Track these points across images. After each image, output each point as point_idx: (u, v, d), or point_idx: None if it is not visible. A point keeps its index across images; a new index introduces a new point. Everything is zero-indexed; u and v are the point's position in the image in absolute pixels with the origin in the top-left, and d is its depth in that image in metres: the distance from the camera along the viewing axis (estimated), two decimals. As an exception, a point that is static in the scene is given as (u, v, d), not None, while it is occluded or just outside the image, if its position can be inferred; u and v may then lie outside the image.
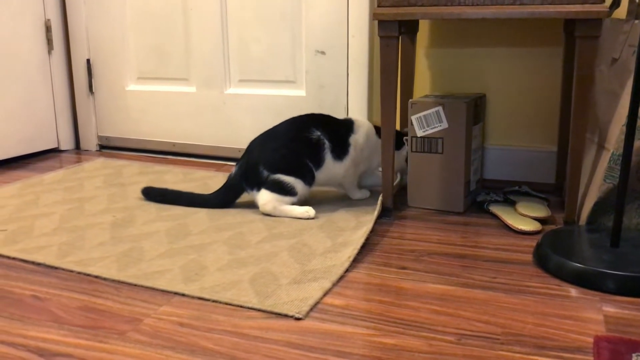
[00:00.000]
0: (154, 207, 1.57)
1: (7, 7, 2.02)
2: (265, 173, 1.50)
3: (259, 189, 1.52)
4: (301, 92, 1.96)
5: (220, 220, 1.47)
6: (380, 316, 1.00)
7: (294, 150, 1.52)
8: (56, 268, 1.21)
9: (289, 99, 1.98)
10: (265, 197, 1.51)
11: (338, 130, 1.58)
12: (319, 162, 1.54)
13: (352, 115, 1.86)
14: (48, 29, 2.18)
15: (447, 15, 1.34)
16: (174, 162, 2.08)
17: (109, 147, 2.30)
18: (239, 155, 2.06)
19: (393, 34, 1.39)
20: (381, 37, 1.40)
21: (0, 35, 2.00)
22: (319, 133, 1.54)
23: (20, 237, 1.37)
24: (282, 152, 1.52)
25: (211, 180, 1.83)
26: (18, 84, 2.09)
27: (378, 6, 1.38)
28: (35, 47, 2.14)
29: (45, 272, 1.19)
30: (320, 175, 1.55)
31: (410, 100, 1.55)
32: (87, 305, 1.05)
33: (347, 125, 1.60)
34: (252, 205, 1.55)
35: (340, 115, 1.90)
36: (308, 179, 1.52)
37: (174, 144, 2.17)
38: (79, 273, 1.18)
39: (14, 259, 1.25)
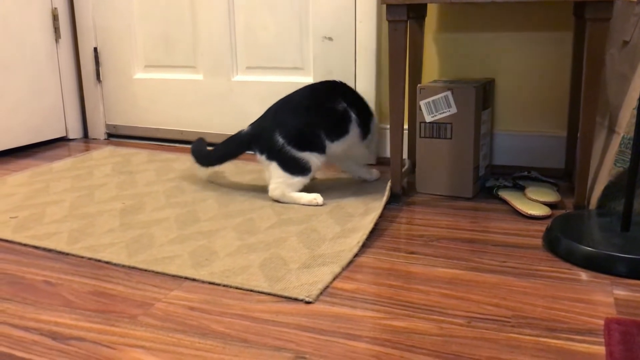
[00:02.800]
0: (163, 195, 1.58)
1: (14, -4, 2.02)
2: (281, 141, 1.48)
3: (269, 157, 1.50)
4: (309, 79, 1.95)
5: (230, 206, 1.48)
6: (390, 300, 1.00)
7: (315, 121, 1.50)
8: (67, 254, 1.21)
9: (296, 86, 1.95)
10: (275, 180, 1.50)
11: (362, 102, 1.59)
12: (340, 134, 1.53)
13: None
14: (55, 18, 2.18)
15: (456, -2, 1.33)
16: (181, 150, 2.08)
17: (116, 136, 2.30)
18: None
19: (401, 18, 1.38)
20: (389, 22, 1.40)
21: (7, 24, 2.01)
22: (345, 104, 1.53)
23: (31, 224, 1.37)
24: (302, 122, 1.49)
25: (219, 168, 1.83)
26: (26, 74, 2.09)
27: (386, -10, 1.37)
28: (42, 36, 2.14)
29: (56, 258, 1.20)
30: (337, 147, 1.53)
31: (418, 85, 1.55)
32: (98, 290, 1.06)
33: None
34: (261, 191, 1.55)
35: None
36: (323, 150, 1.51)
37: (181, 132, 2.17)
38: (90, 259, 1.19)
39: (25, 245, 1.26)
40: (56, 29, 2.19)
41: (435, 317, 0.94)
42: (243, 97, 2.05)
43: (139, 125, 2.24)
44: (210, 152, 1.63)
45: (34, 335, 0.91)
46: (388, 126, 1.86)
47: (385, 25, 1.82)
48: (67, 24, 2.23)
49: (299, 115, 1.51)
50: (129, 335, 0.90)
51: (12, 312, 0.98)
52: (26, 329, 0.93)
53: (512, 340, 0.87)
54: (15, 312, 0.98)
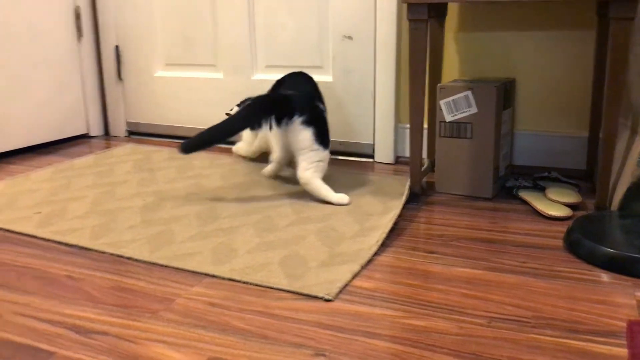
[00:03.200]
0: (183, 192, 1.59)
1: (39, -5, 2.05)
2: (322, 108, 1.54)
3: (305, 123, 1.45)
4: (328, 78, 1.96)
5: (249, 204, 1.49)
6: (410, 299, 1.00)
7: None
8: (89, 249, 1.23)
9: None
10: (308, 159, 1.46)
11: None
12: None
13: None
14: (77, 17, 2.21)
15: (478, -3, 1.32)
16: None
17: (137, 133, 2.33)
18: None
19: (422, 17, 1.38)
20: (410, 21, 1.39)
21: (31, 23, 2.03)
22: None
23: (54, 219, 1.39)
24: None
25: (239, 165, 1.84)
26: (49, 71, 2.12)
27: (407, -11, 1.37)
28: (65, 34, 2.17)
29: (78, 254, 1.21)
30: None
31: (439, 84, 1.54)
32: (119, 285, 1.07)
33: None
34: (280, 188, 1.56)
35: (367, 100, 1.90)
36: None
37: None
38: (112, 254, 1.20)
39: (48, 240, 1.28)
40: (78, 28, 2.22)
41: (455, 316, 0.94)
42: (262, 96, 2.06)
43: (159, 123, 2.26)
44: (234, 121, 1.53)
45: (58, 329, 0.92)
46: (407, 125, 1.87)
47: (405, 24, 1.82)
48: (89, 22, 2.26)
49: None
50: (151, 330, 0.92)
51: (36, 305, 1.00)
52: (51, 322, 0.94)
53: (532, 341, 0.87)
54: (39, 305, 1.00)
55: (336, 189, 1.52)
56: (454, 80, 1.62)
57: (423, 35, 1.40)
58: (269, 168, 1.69)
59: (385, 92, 1.86)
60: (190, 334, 0.90)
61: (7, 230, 1.34)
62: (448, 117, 1.54)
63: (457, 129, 1.53)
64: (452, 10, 1.77)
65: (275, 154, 1.62)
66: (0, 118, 1.95)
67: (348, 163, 1.90)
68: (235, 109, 1.93)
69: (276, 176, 1.70)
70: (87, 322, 0.94)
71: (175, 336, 0.90)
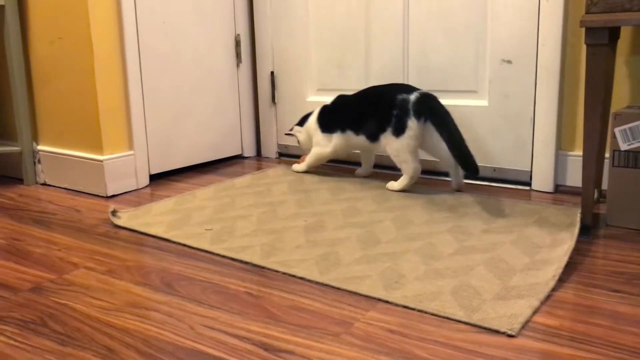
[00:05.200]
0: (340, 214, 1.62)
1: (205, 25, 2.20)
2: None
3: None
4: (483, 102, 1.92)
5: (407, 229, 1.48)
6: (601, 340, 0.94)
7: None
8: (262, 267, 1.29)
9: (469, 109, 1.95)
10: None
11: None
12: None
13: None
14: (237, 44, 2.35)
15: (668, 20, 1.24)
16: (350, 171, 2.13)
17: (286, 155, 2.41)
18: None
19: (602, 42, 1.32)
20: (588, 45, 1.33)
21: (198, 50, 2.19)
22: None
23: (225, 236, 1.47)
24: None
25: (389, 190, 1.85)
26: (211, 95, 2.27)
27: (587, 12, 1.31)
28: (226, 60, 2.32)
29: (252, 271, 1.27)
30: None
31: (614, 111, 1.46)
32: (296, 304, 1.10)
33: None
34: (436, 214, 1.54)
35: (525, 126, 1.83)
36: None
37: (347, 154, 2.22)
38: (284, 273, 1.25)
39: (223, 256, 1.36)
40: (238, 54, 2.36)
41: (657, 364, 0.87)
42: (413, 120, 2.05)
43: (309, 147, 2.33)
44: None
45: (247, 345, 0.97)
46: (569, 152, 1.78)
47: (570, 48, 1.75)
48: (248, 49, 2.39)
49: None
50: (335, 352, 0.93)
51: (223, 320, 1.06)
52: (238, 337, 0.99)
53: None
54: (225, 320, 1.05)
55: (494, 217, 1.48)
56: (629, 107, 1.53)
57: (602, 60, 1.33)
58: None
59: (546, 118, 1.79)
60: (375, 359, 0.91)
61: (185, 245, 1.43)
62: (623, 146, 1.45)
63: (634, 158, 1.44)
64: (625, 32, 1.67)
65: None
66: (168, 139, 2.11)
67: (502, 190, 1.84)
68: (296, 127, 2.11)
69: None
70: (273, 340, 0.98)
71: (359, 361, 0.91)
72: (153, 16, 2.00)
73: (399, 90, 1.80)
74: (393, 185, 1.85)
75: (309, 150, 2.09)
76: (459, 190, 1.84)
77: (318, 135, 2.01)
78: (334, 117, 1.98)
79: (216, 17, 2.24)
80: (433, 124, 1.75)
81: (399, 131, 1.78)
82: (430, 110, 1.75)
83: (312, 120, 2.04)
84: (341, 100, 1.99)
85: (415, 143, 1.78)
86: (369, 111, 1.86)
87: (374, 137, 1.86)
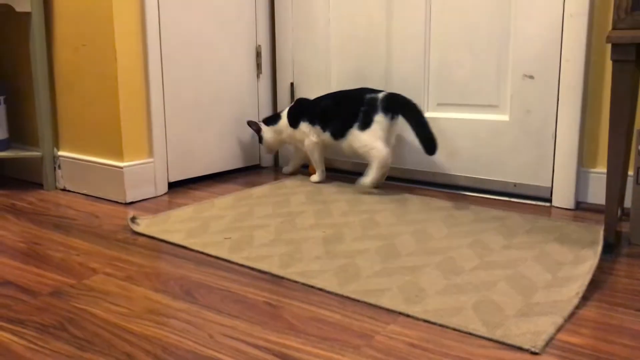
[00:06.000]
0: (359, 226, 1.61)
1: (227, 35, 2.22)
2: None
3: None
4: (504, 117, 1.91)
5: (427, 243, 1.47)
6: (627, 361, 0.92)
7: None
8: (281, 277, 1.28)
9: (489, 124, 1.94)
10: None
11: None
12: None
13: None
14: (258, 54, 2.36)
15: (697, 37, 1.22)
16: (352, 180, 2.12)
17: (304, 166, 2.41)
18: (433, 178, 2.07)
19: (629, 58, 1.30)
20: (614, 62, 1.32)
21: (219, 60, 2.20)
22: None
23: (243, 245, 1.47)
24: None
25: (408, 203, 1.84)
26: (232, 105, 2.28)
27: (613, 28, 1.30)
28: (247, 71, 2.33)
29: (271, 281, 1.27)
30: None
31: (638, 128, 1.44)
32: (316, 316, 1.10)
33: None
34: (454, 228, 1.53)
35: (546, 141, 1.82)
36: None
37: (359, 164, 2.21)
38: (303, 284, 1.24)
39: (242, 265, 1.35)
40: (258, 65, 2.37)
41: (686, 387, 0.85)
42: (432, 134, 2.04)
43: (327, 157, 2.33)
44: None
45: (267, 355, 0.96)
46: (591, 169, 1.77)
47: (593, 65, 1.74)
48: (268, 60, 2.40)
49: None
50: (356, 365, 0.92)
51: (242, 329, 1.05)
52: (258, 347, 0.99)
53: None
54: (245, 329, 1.05)
55: (515, 233, 1.47)
56: (654, 124, 1.51)
57: (628, 77, 1.32)
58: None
59: (568, 134, 1.78)
60: (395, 373, 0.90)
61: (203, 253, 1.43)
62: (648, 164, 1.43)
63: (659, 176, 1.42)
64: (650, 49, 1.65)
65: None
66: (188, 147, 2.12)
67: (522, 206, 1.83)
68: (263, 126, 2.24)
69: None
70: (293, 351, 0.97)
71: (380, 374, 0.89)
72: (176, 26, 2.02)
73: (367, 91, 1.97)
74: (365, 181, 1.93)
75: (270, 149, 2.27)
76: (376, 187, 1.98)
77: (302, 129, 2.11)
78: (306, 113, 2.11)
79: (238, 28, 2.26)
80: (404, 115, 1.89)
81: (366, 125, 1.90)
82: (401, 104, 1.90)
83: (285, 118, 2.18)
84: (308, 101, 2.15)
85: (382, 133, 1.90)
86: (337, 110, 2.01)
87: (340, 133, 1.98)
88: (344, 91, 2.07)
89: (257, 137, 2.30)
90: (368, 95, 1.94)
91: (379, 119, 1.89)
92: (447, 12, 1.97)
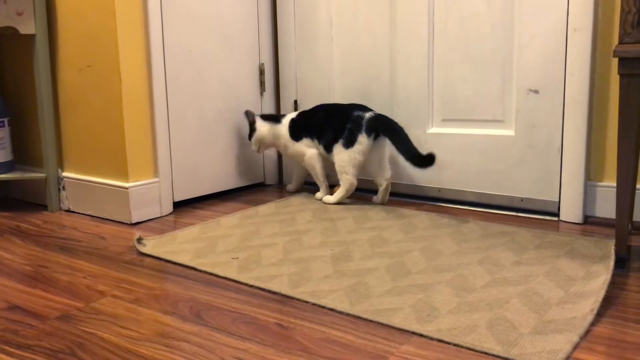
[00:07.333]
0: (367, 243, 1.60)
1: (230, 54, 2.23)
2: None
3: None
4: (509, 132, 1.90)
5: (437, 260, 1.46)
6: (647, 379, 0.91)
7: None
8: (291, 298, 1.27)
9: (494, 139, 1.93)
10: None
11: None
12: None
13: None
14: (261, 72, 2.37)
15: None
16: (370, 199, 2.11)
17: (308, 183, 2.40)
18: (439, 194, 2.06)
19: (636, 72, 1.30)
20: (621, 76, 1.32)
21: (223, 79, 2.21)
22: None
23: (252, 265, 1.46)
24: None
25: (415, 219, 1.83)
26: (234, 123, 2.27)
27: (620, 42, 1.30)
28: (250, 89, 2.33)
29: (281, 301, 1.25)
30: None
31: (646, 142, 1.44)
32: (328, 337, 1.08)
33: None
34: (462, 244, 1.52)
35: (553, 156, 1.81)
36: None
37: (365, 180, 2.21)
38: (313, 304, 1.23)
39: (251, 286, 1.34)
40: (262, 83, 2.37)
41: None
42: (437, 149, 2.02)
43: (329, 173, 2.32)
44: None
45: (280, 377, 0.95)
46: (599, 183, 1.76)
47: (598, 78, 1.74)
48: (271, 78, 2.41)
49: None
50: (372, 387, 0.91)
51: (254, 351, 1.04)
52: (271, 370, 0.97)
53: None
54: (257, 352, 1.04)
55: (524, 249, 1.46)
56: (661, 137, 1.50)
57: (636, 90, 1.31)
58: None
59: (574, 148, 1.77)
60: (412, 396, 0.88)
61: (212, 274, 1.42)
62: (657, 177, 1.42)
63: (668, 190, 1.41)
64: (655, 62, 1.65)
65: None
66: (192, 166, 2.12)
67: (530, 221, 1.82)
68: (259, 120, 2.20)
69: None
70: (307, 373, 0.96)
71: (396, 397, 0.88)
72: (180, 45, 2.03)
73: (356, 108, 2.02)
74: (329, 198, 2.07)
75: (257, 145, 2.21)
76: (382, 204, 2.06)
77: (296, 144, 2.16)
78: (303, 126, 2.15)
79: (241, 47, 2.26)
80: (388, 136, 1.95)
81: (350, 143, 1.98)
82: (385, 125, 1.96)
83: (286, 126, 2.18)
84: (304, 113, 2.18)
85: (361, 158, 1.99)
86: (327, 123, 2.05)
87: (329, 146, 2.04)
88: (335, 104, 2.13)
89: (261, 155, 2.30)
90: (355, 113, 1.99)
91: (362, 140, 1.97)
92: (450, 28, 1.98)
